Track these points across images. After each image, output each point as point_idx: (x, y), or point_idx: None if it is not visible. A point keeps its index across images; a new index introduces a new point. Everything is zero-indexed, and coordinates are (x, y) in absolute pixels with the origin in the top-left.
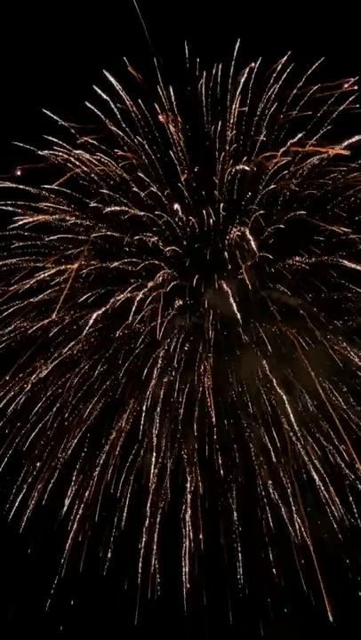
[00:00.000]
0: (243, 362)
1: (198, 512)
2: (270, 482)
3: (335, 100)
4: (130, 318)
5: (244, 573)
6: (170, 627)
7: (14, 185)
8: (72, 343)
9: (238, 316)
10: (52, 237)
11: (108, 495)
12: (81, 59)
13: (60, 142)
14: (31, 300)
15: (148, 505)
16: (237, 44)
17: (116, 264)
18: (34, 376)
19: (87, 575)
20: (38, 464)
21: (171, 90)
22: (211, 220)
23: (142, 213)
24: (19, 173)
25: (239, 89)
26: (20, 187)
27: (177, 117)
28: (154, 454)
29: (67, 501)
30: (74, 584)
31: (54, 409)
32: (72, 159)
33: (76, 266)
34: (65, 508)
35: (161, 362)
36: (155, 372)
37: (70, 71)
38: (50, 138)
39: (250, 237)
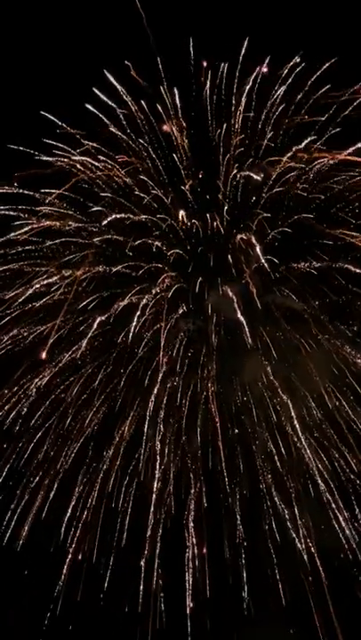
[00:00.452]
0: (246, 366)
1: (202, 524)
2: (275, 492)
3: (342, 105)
4: (134, 322)
5: (250, 591)
6: None
7: (15, 190)
8: (74, 348)
9: (242, 321)
10: (54, 242)
11: (109, 509)
12: (80, 60)
13: (61, 145)
14: (33, 304)
15: (150, 520)
16: (245, 43)
17: (118, 268)
18: (34, 384)
19: (86, 595)
20: (37, 477)
21: (175, 91)
22: (215, 224)
23: (145, 217)
24: (15, 184)
25: (245, 92)
26: (21, 191)
27: (181, 120)
28: (157, 464)
29: (66, 516)
30: (72, 606)
31: (54, 418)
32: (74, 163)
33: (79, 272)
34: (64, 524)
35: (164, 366)
36: (158, 376)
37: (69, 73)
38: (50, 142)
39: (254, 241)
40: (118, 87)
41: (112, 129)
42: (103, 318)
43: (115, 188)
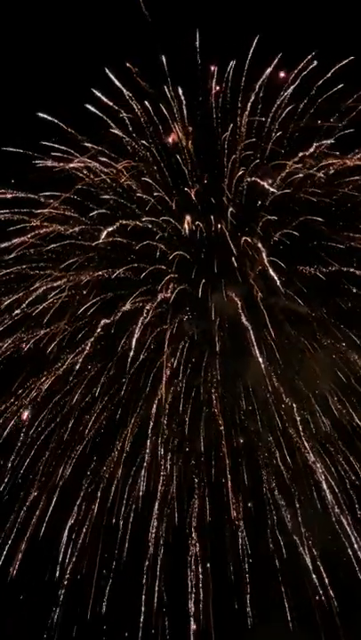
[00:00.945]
0: (250, 369)
1: (205, 538)
2: (280, 500)
3: (352, 106)
4: (137, 325)
5: (253, 607)
6: None
7: (15, 194)
8: (77, 351)
9: (246, 324)
10: (56, 245)
11: (109, 524)
12: (80, 59)
13: (63, 148)
14: (36, 307)
15: (152, 534)
16: (255, 41)
17: (122, 270)
18: (34, 390)
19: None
20: (35, 492)
21: (180, 91)
22: (219, 227)
23: (149, 219)
24: (13, 190)
25: (253, 93)
26: (22, 195)
27: (185, 121)
28: (160, 472)
29: (65, 533)
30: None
31: (54, 425)
32: (76, 167)
33: (83, 276)
34: (63, 543)
35: (168, 369)
36: (161, 380)
37: (69, 72)
38: (50, 144)
39: (259, 244)
40: (120, 87)
41: (114, 130)
42: (107, 321)
43: (118, 191)
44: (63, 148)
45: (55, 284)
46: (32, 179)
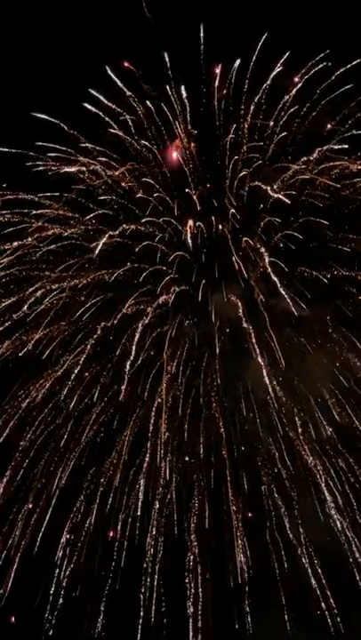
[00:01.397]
0: (250, 371)
1: (204, 546)
2: (279, 498)
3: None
4: (138, 326)
5: (253, 612)
6: None
7: (12, 195)
8: (77, 352)
9: (246, 325)
10: (54, 246)
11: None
12: (79, 57)
13: (63, 148)
14: (35, 309)
15: (150, 543)
16: (262, 39)
17: (122, 271)
18: (33, 393)
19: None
20: (31, 505)
21: (182, 91)
22: (220, 228)
23: (149, 220)
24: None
25: (258, 94)
26: (20, 196)
27: (188, 121)
28: (160, 474)
29: (60, 546)
30: None
31: (54, 427)
32: (74, 169)
33: (83, 280)
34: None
35: (168, 371)
36: (161, 381)
37: (66, 71)
38: (47, 144)
39: (260, 246)
40: (121, 87)
41: (114, 131)
42: (108, 325)
43: (118, 192)
44: (62, 148)
45: (54, 286)
46: (30, 180)
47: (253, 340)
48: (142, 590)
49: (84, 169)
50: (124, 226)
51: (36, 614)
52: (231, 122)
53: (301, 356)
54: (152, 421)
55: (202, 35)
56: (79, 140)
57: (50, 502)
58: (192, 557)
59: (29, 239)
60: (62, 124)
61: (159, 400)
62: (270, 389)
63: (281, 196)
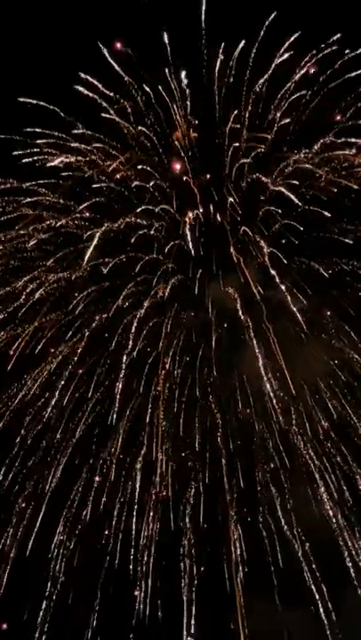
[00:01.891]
0: (246, 361)
1: (200, 542)
2: (270, 480)
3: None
4: (135, 316)
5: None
6: None
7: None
8: (72, 342)
9: (242, 315)
10: (47, 236)
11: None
12: (72, 36)
13: (51, 132)
14: (30, 298)
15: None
16: (269, 20)
17: (117, 260)
18: (23, 391)
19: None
20: (23, 504)
21: (182, 75)
22: (218, 217)
23: (146, 208)
24: None
25: (261, 80)
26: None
27: (187, 106)
28: (157, 464)
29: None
30: None
31: (47, 421)
32: (63, 158)
33: (78, 270)
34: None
35: (164, 361)
36: (158, 370)
37: (57, 52)
38: (38, 130)
39: (258, 236)
40: (118, 70)
41: (110, 116)
42: (104, 315)
43: (114, 180)
44: (54, 133)
45: (49, 277)
46: (21, 167)
47: (250, 332)
48: (138, 576)
49: (81, 159)
50: (121, 220)
51: (30, 618)
52: (232, 108)
53: (298, 347)
54: (148, 412)
55: (203, 13)
56: (72, 125)
57: (44, 499)
58: (187, 545)
59: (19, 229)
60: (55, 108)
61: (155, 392)
62: (265, 380)
63: (283, 189)
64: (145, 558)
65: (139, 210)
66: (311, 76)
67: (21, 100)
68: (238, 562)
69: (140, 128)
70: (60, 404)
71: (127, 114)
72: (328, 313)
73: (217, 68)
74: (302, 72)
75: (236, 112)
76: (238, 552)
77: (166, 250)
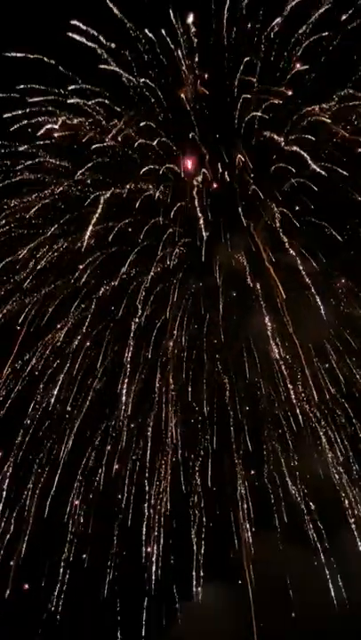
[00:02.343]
0: (253, 324)
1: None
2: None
3: None
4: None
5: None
6: None
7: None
8: (80, 309)
9: (250, 279)
10: (48, 200)
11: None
12: None
13: (45, 88)
14: (35, 267)
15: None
16: None
17: (122, 224)
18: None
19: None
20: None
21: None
22: (227, 175)
23: (150, 168)
24: None
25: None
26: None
27: (193, 55)
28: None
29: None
30: None
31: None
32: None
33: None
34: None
35: (171, 326)
36: (167, 336)
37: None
38: (29, 86)
39: (268, 195)
40: (117, 12)
41: (109, 67)
42: (111, 284)
43: (116, 138)
44: (50, 89)
45: (53, 245)
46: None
47: (258, 296)
48: (150, 535)
49: (81, 119)
50: (128, 186)
51: (48, 581)
52: (243, 56)
53: (307, 311)
54: (157, 378)
55: None
56: (68, 80)
57: (58, 466)
58: (196, 501)
59: (20, 195)
60: (50, 60)
61: (163, 358)
62: (273, 344)
63: (296, 148)
64: (157, 518)
65: (143, 170)
66: (329, 16)
67: (9, 54)
68: (245, 515)
69: (143, 80)
70: (71, 372)
71: (128, 64)
72: (341, 278)
73: (226, 8)
74: (320, 12)
75: (247, 59)
76: (245, 507)
77: (172, 212)
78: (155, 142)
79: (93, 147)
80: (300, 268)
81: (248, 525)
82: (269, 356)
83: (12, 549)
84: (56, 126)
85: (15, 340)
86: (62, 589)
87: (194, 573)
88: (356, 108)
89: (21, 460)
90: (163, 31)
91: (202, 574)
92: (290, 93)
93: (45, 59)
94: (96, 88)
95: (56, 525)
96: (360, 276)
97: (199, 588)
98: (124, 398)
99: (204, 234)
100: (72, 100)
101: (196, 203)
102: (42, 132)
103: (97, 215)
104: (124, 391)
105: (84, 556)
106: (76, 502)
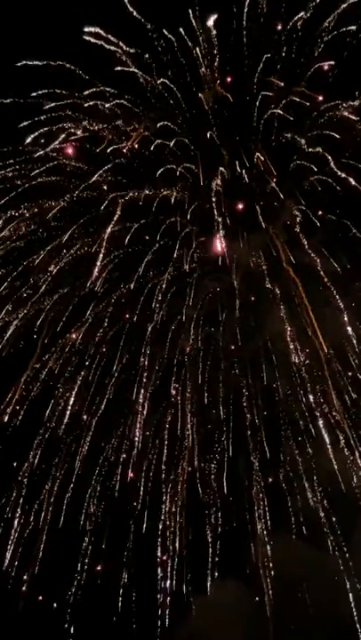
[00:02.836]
0: (271, 326)
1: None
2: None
3: None
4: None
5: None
6: None
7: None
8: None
9: (267, 279)
10: (64, 203)
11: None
12: None
13: (59, 91)
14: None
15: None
16: None
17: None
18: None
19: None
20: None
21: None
22: (245, 174)
23: (167, 168)
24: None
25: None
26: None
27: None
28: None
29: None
30: None
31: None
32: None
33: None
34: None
35: (187, 326)
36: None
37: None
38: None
39: (287, 193)
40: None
41: (127, 68)
42: (130, 286)
43: (134, 140)
44: (64, 92)
45: (70, 248)
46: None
47: (276, 296)
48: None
49: (99, 125)
50: (146, 190)
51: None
52: (263, 51)
53: (326, 312)
54: (173, 379)
55: None
56: (84, 84)
57: (73, 472)
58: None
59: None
60: (65, 64)
61: (180, 358)
62: (291, 347)
63: (319, 149)
64: (172, 526)
65: (161, 170)
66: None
67: (23, 63)
68: (261, 516)
69: (161, 80)
70: (87, 376)
71: (146, 65)
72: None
73: (247, 3)
74: (343, 6)
75: (267, 56)
76: (261, 509)
77: (189, 212)
78: (172, 142)
79: (110, 148)
80: (320, 268)
81: (264, 526)
82: (288, 359)
83: (28, 559)
84: (73, 130)
85: (32, 344)
86: (76, 599)
87: (209, 572)
88: None
89: (37, 468)
90: (181, 30)
91: (216, 573)
92: (311, 91)
93: (59, 63)
94: (113, 90)
95: (71, 534)
96: None
97: (213, 584)
98: (141, 400)
99: (221, 234)
100: (89, 103)
101: (214, 204)
102: (58, 135)
103: (116, 217)
104: (141, 393)
105: (99, 567)
106: (92, 509)
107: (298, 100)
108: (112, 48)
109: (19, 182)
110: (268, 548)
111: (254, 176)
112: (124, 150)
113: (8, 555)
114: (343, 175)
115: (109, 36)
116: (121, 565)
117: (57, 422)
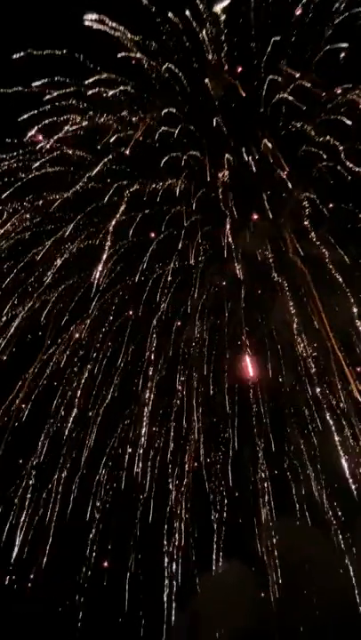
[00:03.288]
0: (276, 317)
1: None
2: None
3: None
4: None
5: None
6: None
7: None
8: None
9: (273, 269)
10: (68, 194)
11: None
12: None
13: (62, 79)
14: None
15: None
16: None
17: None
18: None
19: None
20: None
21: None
22: (251, 160)
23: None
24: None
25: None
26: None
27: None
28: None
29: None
30: None
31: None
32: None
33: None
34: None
35: (193, 318)
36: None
37: None
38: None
39: (294, 181)
40: None
41: (128, 54)
42: (134, 278)
43: (138, 128)
44: (68, 81)
45: (73, 240)
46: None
47: (282, 287)
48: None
49: (102, 115)
50: (149, 184)
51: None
52: (271, 35)
53: (333, 302)
54: (180, 367)
55: None
56: (87, 72)
57: (79, 467)
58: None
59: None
60: (62, 51)
61: (185, 349)
62: (297, 337)
63: (328, 136)
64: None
65: (165, 158)
66: None
67: (23, 53)
68: (265, 503)
69: (167, 65)
70: (92, 368)
71: (150, 50)
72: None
73: None
74: None
75: (275, 39)
76: (265, 497)
77: (194, 201)
78: (177, 130)
79: (113, 137)
80: (328, 258)
81: (268, 513)
82: (294, 350)
83: (37, 548)
84: (77, 118)
85: (38, 338)
86: (84, 590)
87: (214, 556)
88: None
89: (44, 461)
90: (188, 13)
91: (221, 555)
92: (321, 75)
93: (60, 52)
94: (116, 76)
95: (78, 525)
96: None
97: (219, 564)
98: (146, 392)
99: (226, 223)
100: (92, 91)
101: (220, 192)
102: (62, 126)
103: (122, 208)
104: (147, 386)
105: (105, 563)
106: (98, 503)
107: (307, 84)
108: (115, 34)
109: (22, 174)
110: (273, 533)
111: (261, 164)
112: (126, 134)
113: (16, 548)
114: (352, 165)
115: (111, 22)
116: (128, 554)
117: (63, 415)
